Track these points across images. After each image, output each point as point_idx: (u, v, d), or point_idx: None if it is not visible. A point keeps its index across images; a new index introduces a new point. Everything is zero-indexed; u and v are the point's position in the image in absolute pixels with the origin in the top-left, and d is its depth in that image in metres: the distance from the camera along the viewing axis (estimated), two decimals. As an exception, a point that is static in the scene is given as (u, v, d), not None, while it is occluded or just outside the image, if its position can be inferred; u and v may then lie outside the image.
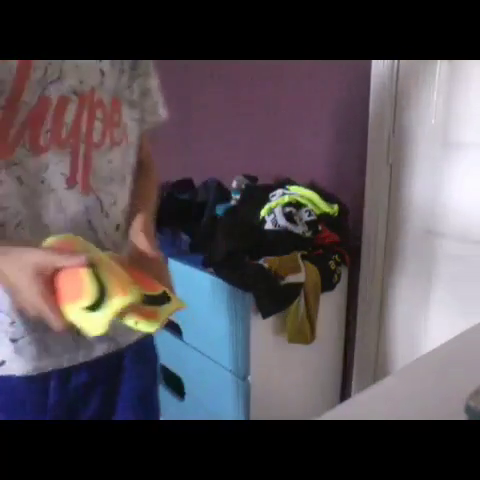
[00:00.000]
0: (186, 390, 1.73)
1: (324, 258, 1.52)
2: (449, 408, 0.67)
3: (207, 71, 2.07)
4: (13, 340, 0.72)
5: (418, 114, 1.42)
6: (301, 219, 1.55)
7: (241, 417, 1.48)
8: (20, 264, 0.60)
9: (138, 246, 0.74)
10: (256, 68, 1.86)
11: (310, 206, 1.59)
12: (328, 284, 1.50)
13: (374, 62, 1.46)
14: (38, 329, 0.72)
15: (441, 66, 1.35)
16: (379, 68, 1.45)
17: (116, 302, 0.57)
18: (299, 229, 1.52)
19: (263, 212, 1.57)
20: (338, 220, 1.61)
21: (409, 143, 1.46)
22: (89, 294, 0.58)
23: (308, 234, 1.54)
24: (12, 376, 0.72)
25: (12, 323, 0.71)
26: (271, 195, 1.63)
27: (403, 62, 1.42)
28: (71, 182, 0.71)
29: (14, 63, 0.66)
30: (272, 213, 1.55)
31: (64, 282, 0.60)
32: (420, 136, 1.43)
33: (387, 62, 1.43)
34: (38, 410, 0.75)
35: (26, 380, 0.73)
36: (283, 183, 1.67)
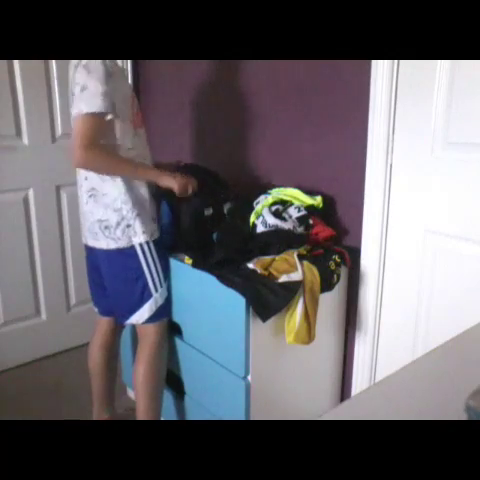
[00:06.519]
0: (186, 390, 1.73)
1: (324, 258, 1.52)
2: (449, 408, 0.67)
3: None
4: (152, 218, 1.56)
5: (418, 114, 1.42)
6: (291, 216, 1.58)
7: (241, 417, 1.48)
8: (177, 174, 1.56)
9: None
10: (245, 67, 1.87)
11: (295, 202, 1.61)
12: (327, 284, 1.50)
13: (374, 62, 1.46)
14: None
15: (441, 66, 1.35)
16: (379, 68, 1.45)
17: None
18: (289, 225, 1.53)
19: (252, 218, 1.60)
20: (325, 211, 1.64)
21: (409, 143, 1.46)
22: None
23: (300, 229, 1.55)
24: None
25: (151, 209, 1.56)
26: (255, 202, 1.67)
27: (403, 62, 1.42)
28: None
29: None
30: (261, 216, 1.58)
31: None
32: (420, 136, 1.43)
33: (387, 62, 1.43)
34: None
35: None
36: (265, 188, 1.72)
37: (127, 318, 1.61)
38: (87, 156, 1.36)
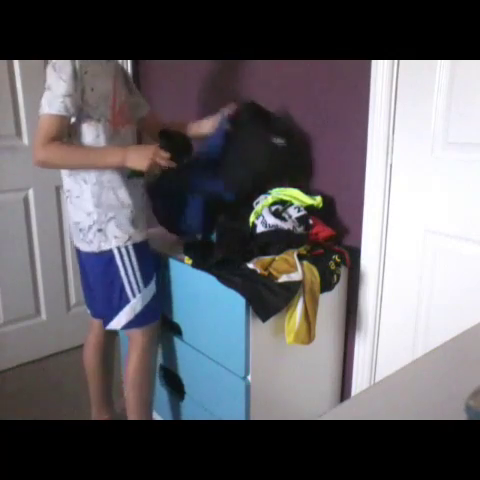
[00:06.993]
0: (186, 390, 1.73)
1: (324, 258, 1.52)
2: (449, 408, 0.67)
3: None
4: (132, 221, 1.51)
5: (418, 114, 1.42)
6: (291, 216, 1.58)
7: (241, 417, 1.48)
8: (142, 146, 1.46)
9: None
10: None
11: (295, 202, 1.61)
12: (327, 284, 1.50)
13: (374, 62, 1.46)
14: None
15: (441, 66, 1.35)
16: (379, 68, 1.45)
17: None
18: (289, 225, 1.53)
19: (252, 218, 1.60)
20: (325, 211, 1.63)
21: (409, 143, 1.46)
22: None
23: (300, 229, 1.55)
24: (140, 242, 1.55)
25: (131, 211, 1.50)
26: (255, 202, 1.67)
27: (403, 62, 1.42)
28: None
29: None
30: (261, 216, 1.58)
31: None
32: (420, 136, 1.43)
33: (387, 62, 1.43)
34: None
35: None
36: (265, 189, 1.71)
37: (109, 321, 1.57)
38: (42, 153, 1.35)
